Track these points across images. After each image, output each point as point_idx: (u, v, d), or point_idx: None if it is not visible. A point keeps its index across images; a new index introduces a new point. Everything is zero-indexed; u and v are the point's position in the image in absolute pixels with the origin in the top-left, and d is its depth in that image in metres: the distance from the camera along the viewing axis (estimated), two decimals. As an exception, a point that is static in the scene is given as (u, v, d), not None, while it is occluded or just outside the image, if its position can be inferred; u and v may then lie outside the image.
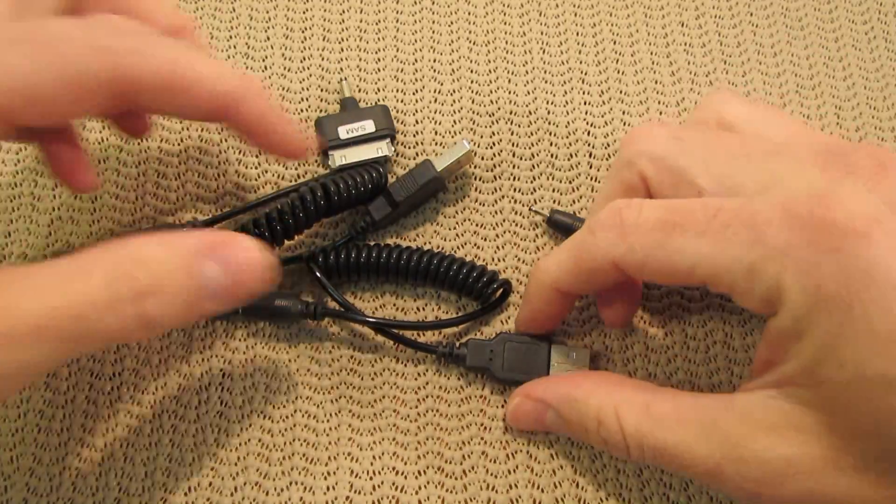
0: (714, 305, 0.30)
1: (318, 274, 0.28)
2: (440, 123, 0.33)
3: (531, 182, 0.32)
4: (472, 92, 0.33)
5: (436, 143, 0.32)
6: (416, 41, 0.34)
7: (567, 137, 0.32)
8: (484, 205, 0.31)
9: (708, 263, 0.20)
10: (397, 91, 0.33)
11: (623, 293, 0.26)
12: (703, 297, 0.30)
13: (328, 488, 0.27)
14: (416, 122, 0.33)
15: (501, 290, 0.29)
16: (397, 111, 0.33)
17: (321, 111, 0.33)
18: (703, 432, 0.21)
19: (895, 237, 0.18)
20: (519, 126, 0.33)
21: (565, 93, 0.33)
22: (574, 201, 0.31)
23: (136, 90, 0.22)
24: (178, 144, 0.32)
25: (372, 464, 0.27)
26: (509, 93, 0.33)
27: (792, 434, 0.20)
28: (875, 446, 0.19)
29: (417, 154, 0.32)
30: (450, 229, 0.31)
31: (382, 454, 0.27)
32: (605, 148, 0.32)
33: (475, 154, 0.32)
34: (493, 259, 0.30)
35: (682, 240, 0.21)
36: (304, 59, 0.34)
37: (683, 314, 0.29)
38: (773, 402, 0.20)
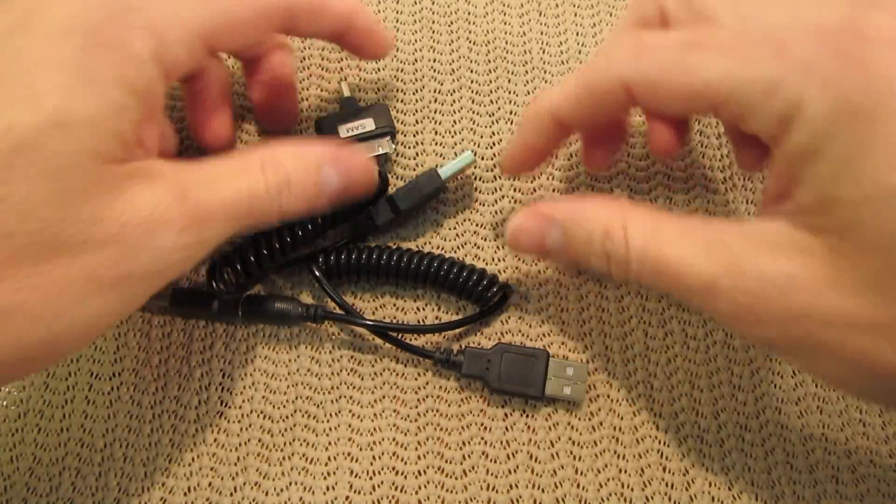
0: (714, 305, 0.30)
1: (317, 275, 0.28)
2: (440, 123, 0.33)
3: (531, 182, 0.32)
4: (472, 92, 0.33)
5: (436, 143, 0.32)
6: (416, 41, 0.34)
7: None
8: (484, 205, 0.31)
9: (726, 79, 0.20)
10: (397, 91, 0.33)
11: (609, 136, 0.27)
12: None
13: (328, 488, 0.27)
14: (416, 122, 0.33)
15: (501, 293, 0.29)
16: (397, 111, 0.33)
17: (321, 111, 0.33)
18: (707, 248, 0.21)
19: None
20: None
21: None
22: (574, 201, 0.31)
23: (294, 15, 0.25)
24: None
25: (372, 464, 0.27)
26: (509, 93, 0.33)
27: (795, 254, 0.19)
28: (879, 265, 0.18)
29: (417, 154, 0.32)
30: (450, 229, 0.31)
31: (382, 454, 0.27)
32: (606, 148, 0.32)
33: (477, 157, 0.32)
34: (492, 259, 0.30)
35: (701, 56, 0.21)
36: (304, 59, 0.34)
37: (683, 314, 0.29)
38: (782, 227, 0.20)
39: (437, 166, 0.30)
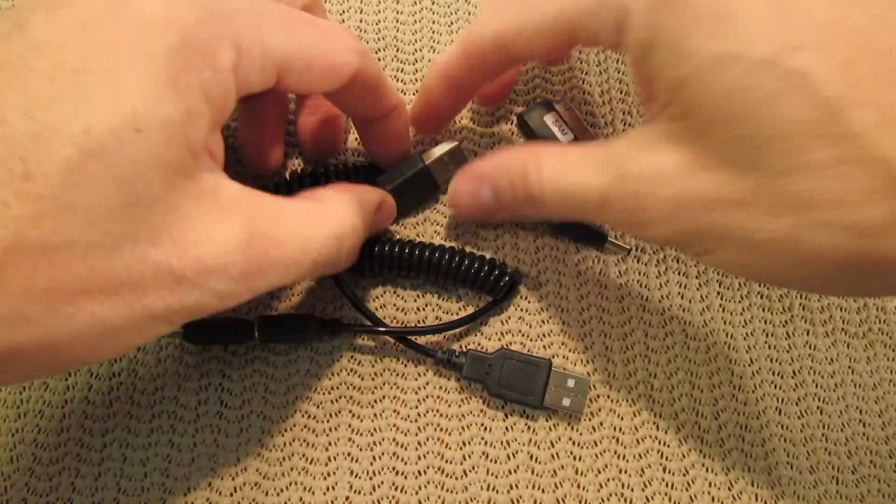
0: (714, 306, 0.30)
1: (345, 290, 0.28)
2: (440, 123, 0.32)
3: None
4: (473, 92, 0.33)
5: (435, 143, 0.32)
6: (416, 41, 0.34)
7: (567, 137, 0.32)
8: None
9: (564, 8, 0.22)
10: (397, 90, 0.33)
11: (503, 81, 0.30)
12: (704, 297, 0.30)
13: (328, 488, 0.27)
14: (417, 122, 0.32)
15: (512, 281, 0.29)
16: (397, 111, 0.33)
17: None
18: (601, 164, 0.22)
19: None
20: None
21: (565, 93, 0.33)
22: (574, 201, 0.31)
23: (362, 83, 0.25)
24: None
25: (372, 464, 0.27)
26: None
27: (664, 145, 0.20)
28: (723, 136, 0.18)
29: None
30: (450, 229, 0.31)
31: (382, 454, 0.27)
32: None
33: (470, 152, 0.32)
34: (494, 252, 0.30)
35: None
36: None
37: (684, 314, 0.29)
38: (656, 125, 0.21)
39: (420, 152, 0.30)
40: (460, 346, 0.29)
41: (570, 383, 0.27)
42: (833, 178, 0.17)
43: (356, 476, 0.27)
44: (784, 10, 0.17)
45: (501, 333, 0.29)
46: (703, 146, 0.19)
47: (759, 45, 0.17)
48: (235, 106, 0.21)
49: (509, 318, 0.29)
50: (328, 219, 0.23)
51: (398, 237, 0.30)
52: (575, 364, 0.29)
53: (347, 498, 0.26)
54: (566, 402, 0.27)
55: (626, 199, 0.21)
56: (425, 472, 0.27)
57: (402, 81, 0.33)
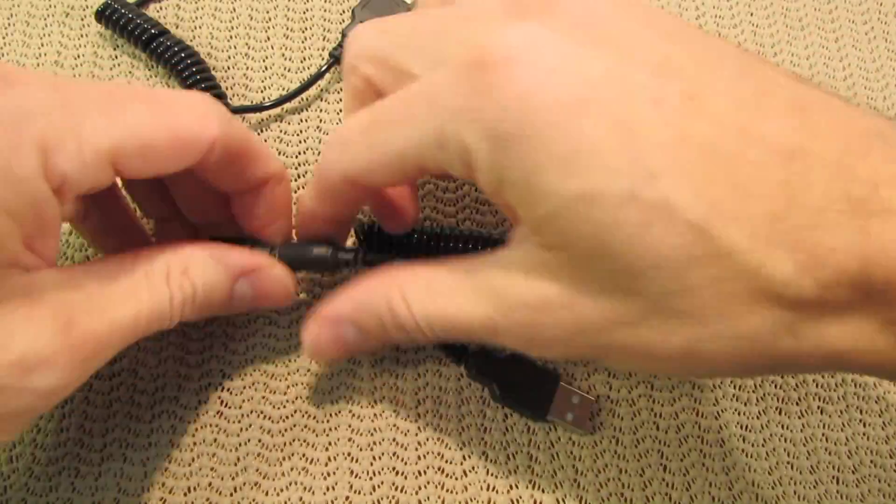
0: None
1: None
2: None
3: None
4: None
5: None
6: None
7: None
8: (484, 204, 0.31)
9: (408, 147, 0.20)
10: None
11: (396, 201, 0.26)
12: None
13: (328, 488, 0.26)
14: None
15: None
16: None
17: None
18: (476, 293, 0.21)
19: (551, 55, 0.18)
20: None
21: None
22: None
23: (225, 154, 0.23)
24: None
25: (372, 464, 0.27)
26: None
27: (544, 273, 0.19)
28: (603, 267, 0.18)
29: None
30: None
31: (382, 454, 0.27)
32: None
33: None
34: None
35: (383, 135, 0.21)
36: (304, 59, 0.34)
37: (684, 314, 0.29)
38: (529, 252, 0.20)
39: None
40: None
41: (576, 400, 0.27)
42: (715, 295, 0.17)
43: (356, 476, 0.27)
44: (631, 139, 0.17)
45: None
46: (583, 278, 0.19)
47: (615, 180, 0.17)
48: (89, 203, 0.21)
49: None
50: (157, 284, 0.21)
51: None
52: (575, 364, 0.28)
53: (347, 498, 0.26)
54: (569, 416, 0.27)
55: (517, 328, 0.20)
56: (425, 472, 0.27)
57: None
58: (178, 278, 0.22)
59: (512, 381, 0.27)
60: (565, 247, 0.19)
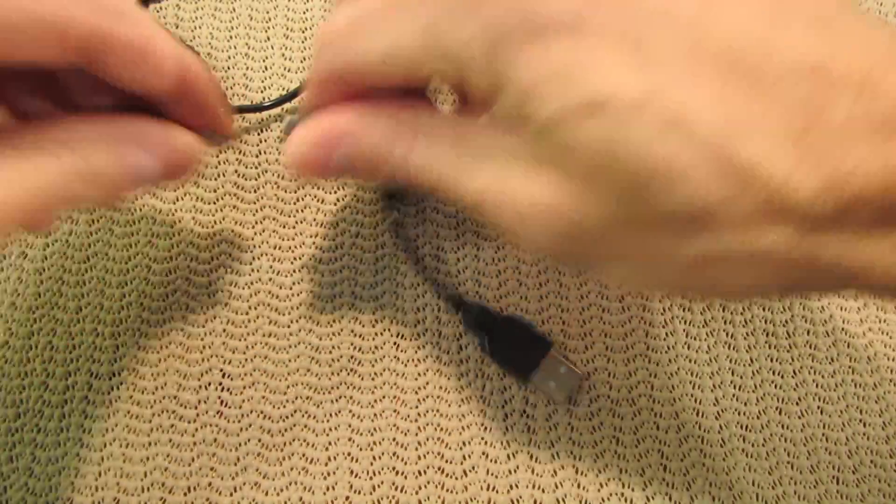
0: (715, 306, 0.30)
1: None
2: (440, 123, 0.32)
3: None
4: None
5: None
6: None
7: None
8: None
9: (395, 46, 0.20)
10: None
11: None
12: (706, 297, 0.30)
13: (328, 488, 0.26)
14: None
15: None
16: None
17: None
18: (476, 167, 0.20)
19: None
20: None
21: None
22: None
23: (106, 49, 0.21)
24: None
25: (372, 464, 0.27)
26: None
27: (545, 169, 0.19)
28: (610, 177, 0.17)
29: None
30: (450, 229, 0.31)
31: (382, 454, 0.27)
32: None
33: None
34: (493, 260, 0.30)
35: (370, 31, 0.20)
36: (304, 59, 0.34)
37: (684, 314, 0.29)
38: (526, 147, 0.19)
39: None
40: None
41: (563, 370, 0.27)
42: (732, 210, 0.17)
43: (356, 476, 0.27)
44: (641, 47, 0.16)
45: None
46: (587, 183, 0.18)
47: (626, 88, 0.16)
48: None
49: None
50: (28, 167, 0.20)
51: None
52: (575, 364, 0.28)
53: (347, 498, 0.26)
54: (552, 385, 0.27)
55: (505, 213, 0.20)
56: (425, 472, 0.27)
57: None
58: (68, 150, 0.21)
59: (504, 339, 0.27)
60: (568, 153, 0.18)
